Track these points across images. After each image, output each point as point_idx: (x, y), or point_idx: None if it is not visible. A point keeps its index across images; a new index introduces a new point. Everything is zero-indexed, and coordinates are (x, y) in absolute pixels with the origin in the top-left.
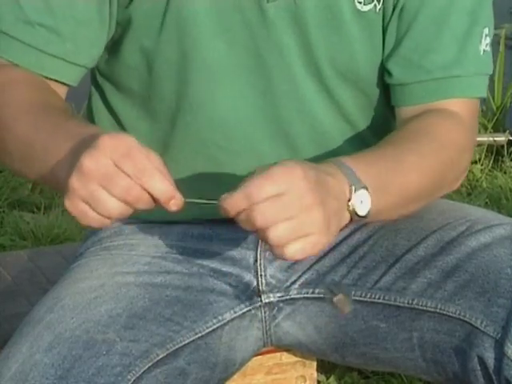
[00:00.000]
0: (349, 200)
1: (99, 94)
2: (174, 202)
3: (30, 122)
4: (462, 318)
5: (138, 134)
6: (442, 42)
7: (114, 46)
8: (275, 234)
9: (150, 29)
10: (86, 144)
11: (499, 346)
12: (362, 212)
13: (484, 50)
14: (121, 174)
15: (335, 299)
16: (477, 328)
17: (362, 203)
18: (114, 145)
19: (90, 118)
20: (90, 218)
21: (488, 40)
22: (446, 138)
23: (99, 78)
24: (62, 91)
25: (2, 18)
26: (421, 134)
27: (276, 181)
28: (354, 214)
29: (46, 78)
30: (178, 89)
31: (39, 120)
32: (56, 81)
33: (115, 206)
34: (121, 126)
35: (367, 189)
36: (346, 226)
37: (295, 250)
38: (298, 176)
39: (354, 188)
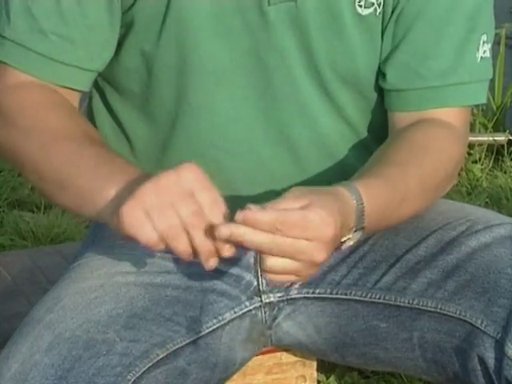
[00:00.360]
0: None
1: (100, 96)
2: (228, 248)
3: (69, 151)
4: (462, 317)
5: (137, 136)
6: (439, 49)
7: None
8: (273, 264)
9: (150, 32)
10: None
11: (499, 345)
12: (344, 247)
13: (481, 57)
14: (195, 201)
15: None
16: (477, 328)
17: (350, 240)
18: (197, 172)
19: (91, 119)
20: (143, 230)
21: (486, 46)
22: (446, 154)
23: (99, 79)
24: (74, 97)
25: (15, 27)
26: (425, 153)
27: (308, 228)
28: (338, 247)
29: (60, 85)
30: (178, 92)
31: (78, 151)
32: (69, 88)
33: (173, 225)
34: (121, 128)
35: (363, 229)
36: None
37: (279, 278)
38: (328, 235)
39: (354, 229)
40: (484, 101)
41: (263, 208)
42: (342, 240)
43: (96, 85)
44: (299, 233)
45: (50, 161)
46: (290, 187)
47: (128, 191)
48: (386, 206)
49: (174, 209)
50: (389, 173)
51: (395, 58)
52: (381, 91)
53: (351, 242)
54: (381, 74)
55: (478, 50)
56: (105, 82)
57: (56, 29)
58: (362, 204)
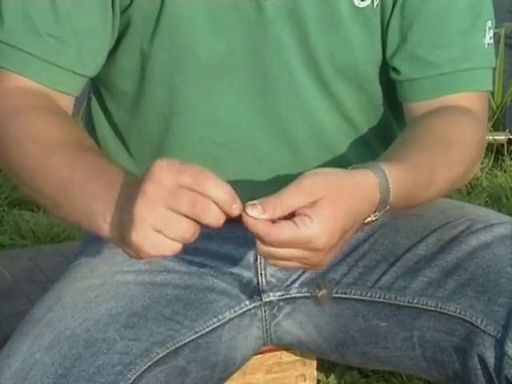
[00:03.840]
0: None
1: (97, 98)
2: (236, 206)
3: (64, 160)
4: (462, 316)
5: (130, 138)
6: (447, 37)
7: (111, 50)
8: (287, 265)
9: (145, 31)
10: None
11: (499, 345)
12: (366, 222)
13: (488, 43)
14: (183, 190)
15: (320, 294)
16: (477, 327)
17: (372, 218)
18: (168, 165)
19: (90, 121)
20: (164, 245)
21: (491, 33)
22: (471, 139)
23: (96, 81)
24: (67, 102)
25: (10, 30)
26: (451, 140)
27: (299, 243)
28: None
29: (53, 89)
30: (171, 91)
31: (74, 159)
32: (62, 92)
33: (187, 226)
34: (117, 131)
35: (387, 209)
36: None
37: (286, 265)
38: (318, 245)
39: (377, 212)
40: (491, 89)
41: (266, 202)
42: (366, 221)
43: (94, 87)
44: (292, 246)
45: (43, 176)
46: (288, 181)
47: (119, 209)
48: (413, 190)
49: (174, 211)
50: (416, 157)
51: (404, 50)
52: (380, 86)
53: (374, 219)
54: (391, 68)
55: (484, 36)
56: (101, 83)
57: (52, 31)
58: (389, 190)
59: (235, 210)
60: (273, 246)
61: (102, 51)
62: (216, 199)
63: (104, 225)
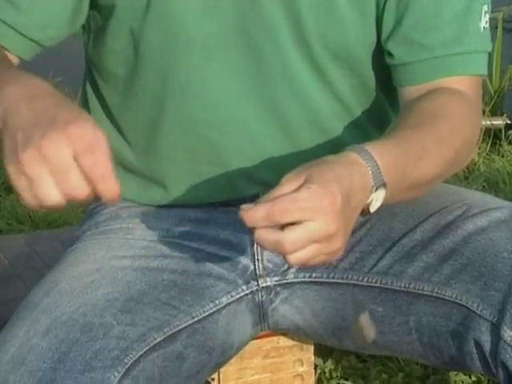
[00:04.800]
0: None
1: (90, 82)
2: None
3: None
4: (458, 301)
5: (123, 121)
6: (442, 20)
7: (100, 31)
8: (297, 256)
9: (135, 10)
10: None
11: (495, 329)
12: (373, 209)
13: (484, 27)
14: (75, 171)
15: (362, 319)
16: (473, 311)
17: (377, 201)
18: (80, 135)
19: (85, 105)
20: (26, 195)
21: (487, 17)
22: (460, 118)
23: (89, 64)
24: (13, 62)
25: None
26: (438, 117)
27: (304, 209)
28: (365, 211)
29: None
30: (164, 72)
31: None
32: (7, 50)
33: (54, 198)
34: (110, 114)
35: (385, 186)
36: None
37: (310, 263)
38: (326, 208)
39: (374, 188)
40: (486, 73)
41: (256, 204)
42: (367, 202)
43: (88, 70)
44: (298, 216)
45: None
46: (283, 164)
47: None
48: (404, 163)
49: (73, 169)
50: (401, 134)
51: (399, 33)
52: (374, 69)
53: (378, 203)
54: (386, 52)
55: (480, 20)
56: (93, 66)
57: None
58: (375, 161)
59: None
60: (280, 219)
61: (56, 24)
62: (101, 194)
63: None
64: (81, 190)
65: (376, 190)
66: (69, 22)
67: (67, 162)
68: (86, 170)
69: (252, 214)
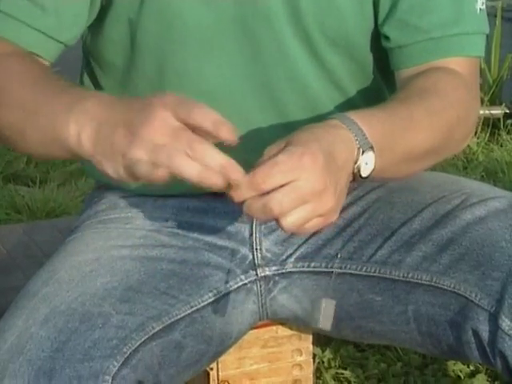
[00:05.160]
0: (355, 162)
1: (88, 72)
2: (226, 128)
3: (30, 86)
4: (456, 291)
5: None
6: (437, 2)
7: (97, 21)
8: (291, 220)
9: (133, 0)
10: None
11: (493, 319)
12: (365, 173)
13: (480, 9)
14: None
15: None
16: (471, 301)
17: (367, 164)
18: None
19: None
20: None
21: None
22: (453, 95)
23: (87, 54)
24: None
25: None
26: (429, 91)
27: (285, 170)
28: (357, 176)
29: (27, 51)
30: (161, 61)
31: (40, 85)
32: (35, 55)
33: (185, 163)
34: None
35: (373, 149)
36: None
37: (307, 227)
38: (307, 164)
39: (361, 150)
40: (483, 54)
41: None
42: (356, 165)
43: (86, 60)
44: (280, 178)
45: (10, 99)
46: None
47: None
48: (391, 130)
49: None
50: (388, 104)
51: (394, 16)
52: (372, 55)
53: (369, 167)
54: (382, 36)
55: (476, 1)
56: (91, 56)
57: None
58: (357, 125)
59: (224, 132)
60: (264, 186)
61: (81, 20)
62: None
63: (78, 136)
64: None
65: (363, 153)
66: (88, 17)
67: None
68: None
69: (237, 187)
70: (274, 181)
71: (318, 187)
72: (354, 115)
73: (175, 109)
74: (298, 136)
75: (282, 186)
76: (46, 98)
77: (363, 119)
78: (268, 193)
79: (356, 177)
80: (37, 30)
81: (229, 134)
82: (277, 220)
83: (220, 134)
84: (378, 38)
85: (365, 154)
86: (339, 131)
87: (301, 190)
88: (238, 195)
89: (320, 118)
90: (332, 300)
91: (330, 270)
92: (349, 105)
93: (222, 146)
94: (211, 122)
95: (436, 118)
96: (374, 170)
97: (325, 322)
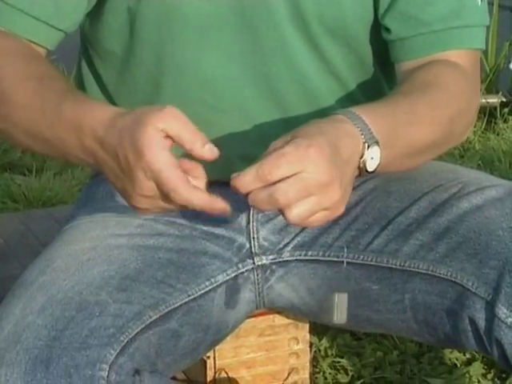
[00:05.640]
0: (361, 156)
1: (85, 61)
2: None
3: (32, 89)
4: (453, 279)
5: (120, 101)
6: None
7: (97, 9)
8: (296, 212)
9: None
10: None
11: (490, 307)
12: (371, 168)
13: (481, 1)
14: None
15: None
16: (468, 289)
17: (373, 159)
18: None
19: (81, 84)
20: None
21: None
22: (455, 88)
23: (85, 42)
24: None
25: None
26: (431, 84)
27: (291, 161)
28: (363, 170)
29: (27, 40)
30: (159, 50)
31: (42, 88)
32: (35, 43)
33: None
34: (106, 94)
35: (379, 144)
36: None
37: (312, 221)
38: (313, 156)
39: (367, 145)
40: (483, 47)
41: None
42: (362, 159)
43: (83, 48)
44: (287, 169)
45: (13, 102)
46: None
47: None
48: (395, 124)
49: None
50: (390, 98)
51: (395, 8)
52: (371, 46)
53: (375, 162)
54: (383, 28)
55: None
56: (89, 44)
57: None
58: (361, 119)
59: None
60: (270, 176)
61: (80, 8)
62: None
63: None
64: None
65: (369, 147)
66: (87, 3)
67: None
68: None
69: (242, 178)
70: (281, 172)
71: (324, 179)
72: (358, 110)
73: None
74: (304, 130)
75: (287, 177)
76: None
77: (367, 114)
78: (274, 184)
79: (362, 171)
80: (35, 18)
81: (209, 155)
82: (282, 212)
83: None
84: (377, 30)
85: (370, 149)
86: (345, 125)
87: (307, 181)
88: (243, 186)
89: (319, 109)
90: (344, 293)
91: (327, 258)
92: (348, 96)
93: (218, 140)
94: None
95: (438, 112)
96: (379, 164)
97: (340, 316)
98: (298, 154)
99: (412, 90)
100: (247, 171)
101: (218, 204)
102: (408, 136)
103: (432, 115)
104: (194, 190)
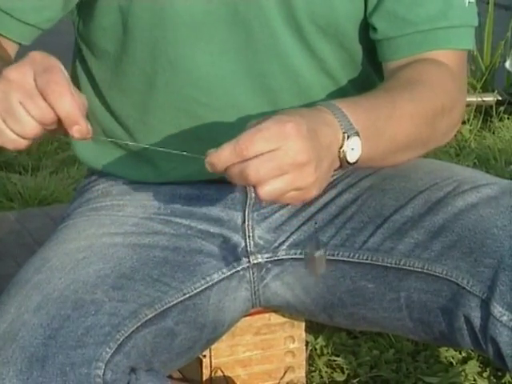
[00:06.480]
0: (340, 147)
1: (80, 60)
2: (78, 128)
3: None
4: (448, 277)
5: (114, 100)
6: None
7: (89, 8)
8: (268, 189)
9: None
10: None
11: (485, 305)
12: (352, 159)
13: (469, 2)
14: (40, 97)
15: (316, 254)
16: (463, 288)
17: (353, 150)
18: (41, 60)
19: (75, 83)
20: (6, 136)
21: None
22: (438, 84)
23: (79, 41)
24: (12, 49)
25: None
26: (413, 81)
27: (268, 137)
28: (344, 161)
29: None
30: (153, 49)
31: None
32: (5, 37)
33: (32, 126)
34: (100, 93)
35: (359, 135)
36: (335, 171)
37: (283, 200)
38: (290, 132)
39: (346, 135)
40: (471, 47)
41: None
42: (341, 149)
43: (77, 47)
44: (263, 144)
45: None
46: None
47: None
48: (375, 116)
49: (24, 109)
50: (371, 93)
51: (382, 8)
52: (362, 44)
53: (356, 153)
54: (370, 27)
55: None
56: (83, 43)
57: None
58: (341, 110)
59: (75, 132)
60: (247, 152)
61: (52, 5)
62: (59, 115)
63: None
64: (48, 115)
65: (348, 137)
66: (63, 1)
67: (31, 86)
68: (42, 88)
69: (219, 154)
70: (257, 147)
71: (299, 159)
72: (339, 102)
73: (40, 76)
74: (283, 111)
75: (263, 154)
76: None
77: (347, 106)
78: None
79: (343, 162)
80: (1, 10)
81: (79, 135)
82: (254, 188)
83: (71, 132)
84: (368, 28)
85: (350, 139)
86: (324, 114)
87: (281, 159)
88: (220, 162)
89: (312, 105)
90: (320, 251)
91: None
92: (340, 93)
93: (211, 137)
94: (66, 115)
95: (420, 106)
96: (361, 156)
97: (319, 270)
98: (274, 129)
99: (395, 85)
100: (224, 146)
101: (81, 121)
102: (389, 128)
103: (413, 109)
104: (72, 96)
